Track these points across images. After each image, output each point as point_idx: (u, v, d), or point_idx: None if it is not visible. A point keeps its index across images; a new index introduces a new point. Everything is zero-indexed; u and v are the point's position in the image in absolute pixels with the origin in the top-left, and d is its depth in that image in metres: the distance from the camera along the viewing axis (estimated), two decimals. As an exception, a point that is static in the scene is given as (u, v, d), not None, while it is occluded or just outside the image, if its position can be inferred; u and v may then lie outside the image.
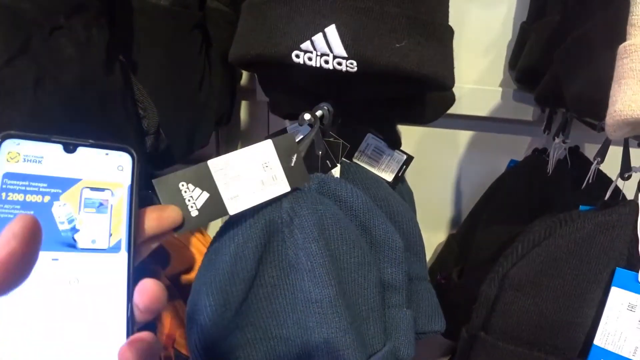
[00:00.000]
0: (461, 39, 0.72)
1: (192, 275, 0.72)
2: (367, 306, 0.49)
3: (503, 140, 0.78)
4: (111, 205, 0.28)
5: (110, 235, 0.28)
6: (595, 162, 0.54)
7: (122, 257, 0.28)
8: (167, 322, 0.62)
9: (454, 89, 0.64)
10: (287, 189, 0.43)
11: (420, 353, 0.56)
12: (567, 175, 0.65)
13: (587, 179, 0.56)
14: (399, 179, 0.61)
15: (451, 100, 0.62)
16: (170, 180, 0.38)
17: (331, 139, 0.50)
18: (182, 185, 0.39)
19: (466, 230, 0.74)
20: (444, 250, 0.79)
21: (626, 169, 0.48)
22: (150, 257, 0.60)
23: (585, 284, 0.46)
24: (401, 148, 0.59)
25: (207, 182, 0.39)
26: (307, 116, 0.44)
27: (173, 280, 0.67)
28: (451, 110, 0.74)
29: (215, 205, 0.40)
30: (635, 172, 0.48)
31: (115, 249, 0.28)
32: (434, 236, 0.83)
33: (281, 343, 0.46)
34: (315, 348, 0.44)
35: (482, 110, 0.73)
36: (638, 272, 0.45)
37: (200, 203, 0.39)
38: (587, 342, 0.48)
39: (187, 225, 0.38)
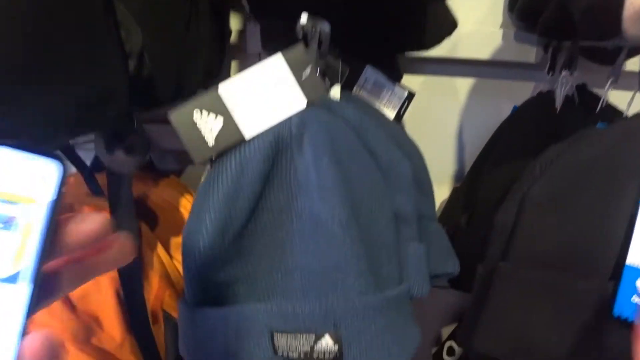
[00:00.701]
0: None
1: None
2: (380, 240, 0.45)
3: (505, 86, 0.75)
4: (21, 224, 0.21)
5: (12, 260, 0.21)
6: (610, 82, 0.51)
7: (22, 290, 0.21)
8: (155, 282, 0.58)
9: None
10: (304, 103, 0.40)
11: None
12: (577, 112, 0.62)
13: (600, 102, 0.53)
14: (401, 117, 0.58)
15: (452, 24, 0.58)
16: (185, 111, 0.38)
17: (330, 59, 0.47)
18: (197, 113, 0.38)
19: (471, 179, 0.71)
20: (449, 204, 0.75)
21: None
22: (137, 217, 0.56)
23: (613, 197, 0.43)
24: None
25: (220, 108, 0.38)
26: (304, 18, 0.41)
27: (162, 243, 0.63)
28: (450, 54, 0.71)
29: (230, 130, 0.39)
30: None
31: (13, 279, 0.21)
32: (437, 190, 0.78)
33: (286, 276, 0.42)
34: (323, 277, 0.40)
35: (482, 53, 0.71)
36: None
37: (215, 130, 0.39)
38: (619, 263, 0.45)
39: (205, 154, 0.39)
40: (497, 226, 0.48)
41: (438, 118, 0.77)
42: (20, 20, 0.32)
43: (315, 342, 0.39)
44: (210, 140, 0.39)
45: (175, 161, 0.77)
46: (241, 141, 0.39)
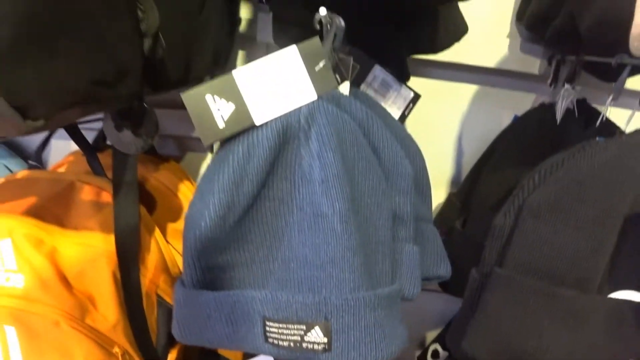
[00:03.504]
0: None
1: (180, 224, 0.68)
2: (376, 238, 0.46)
3: (507, 95, 0.76)
4: None
5: None
6: (610, 97, 0.53)
7: None
8: (152, 266, 0.58)
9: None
10: (315, 95, 0.40)
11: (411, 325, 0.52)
12: (577, 125, 0.64)
13: (600, 117, 0.54)
14: (405, 117, 0.59)
15: (462, 30, 0.59)
16: (198, 93, 0.39)
17: (342, 55, 0.47)
18: (209, 97, 0.39)
19: (468, 185, 0.72)
20: (444, 208, 0.76)
21: (647, 93, 0.46)
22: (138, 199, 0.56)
23: (610, 209, 0.44)
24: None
25: (233, 93, 0.39)
26: (323, 11, 0.41)
27: (160, 228, 0.63)
28: (456, 60, 0.72)
29: (241, 115, 0.39)
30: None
31: None
32: (434, 194, 0.80)
33: (282, 266, 0.43)
34: (318, 269, 0.41)
35: (488, 61, 0.72)
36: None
37: (226, 114, 0.39)
38: (607, 274, 0.46)
39: (215, 136, 0.39)
40: (495, 231, 0.49)
41: (439, 122, 0.78)
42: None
43: (306, 332, 0.40)
44: (221, 123, 0.39)
45: (176, 147, 0.77)
46: (251, 127, 0.40)
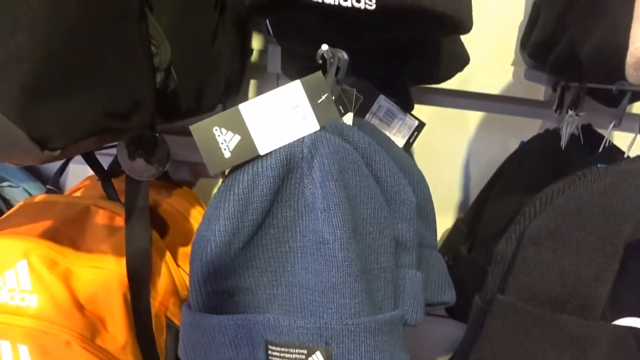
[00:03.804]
0: (473, 17, 0.72)
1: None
2: (378, 265, 0.47)
3: (514, 122, 0.77)
4: None
5: None
6: (612, 124, 0.53)
7: None
8: (162, 289, 0.60)
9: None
10: (317, 126, 0.42)
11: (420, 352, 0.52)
12: (581, 151, 0.64)
13: (603, 143, 0.54)
14: (410, 145, 0.60)
15: (464, 60, 0.61)
16: (205, 126, 0.41)
17: (345, 87, 0.49)
18: (216, 129, 0.41)
19: (475, 210, 0.72)
20: (451, 233, 0.77)
21: (647, 121, 0.47)
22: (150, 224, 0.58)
23: (610, 236, 0.44)
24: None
25: (238, 125, 0.41)
26: (325, 47, 0.43)
27: (170, 252, 0.65)
28: (462, 88, 0.73)
29: (246, 146, 0.42)
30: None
31: None
32: (441, 220, 0.80)
33: (286, 291, 0.44)
34: (320, 295, 0.42)
35: (493, 89, 0.73)
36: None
37: (232, 145, 0.42)
38: (610, 302, 0.46)
39: (220, 166, 0.41)
40: (497, 256, 0.49)
41: (446, 149, 0.79)
42: (64, 26, 0.35)
43: (307, 356, 0.41)
44: (227, 153, 0.41)
45: (189, 173, 0.79)
46: (256, 157, 0.41)
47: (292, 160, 0.42)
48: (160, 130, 0.55)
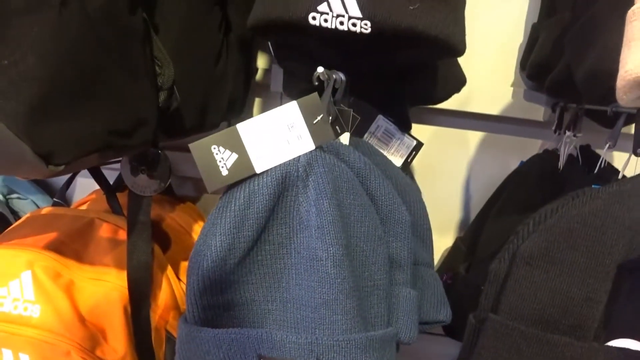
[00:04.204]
0: (473, 39, 0.73)
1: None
2: (372, 282, 0.47)
3: (513, 142, 0.78)
4: None
5: None
6: (607, 145, 0.54)
7: None
8: (162, 303, 0.61)
9: (465, 87, 0.65)
10: (312, 146, 0.43)
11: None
12: (579, 171, 0.65)
13: (599, 163, 0.55)
14: (408, 165, 0.61)
15: (461, 82, 0.62)
16: (204, 144, 0.43)
17: (342, 107, 0.51)
18: (214, 148, 0.43)
19: (474, 230, 0.73)
20: (450, 253, 0.77)
21: (639, 145, 0.47)
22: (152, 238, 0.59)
23: (601, 256, 0.44)
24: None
25: (236, 144, 0.43)
26: (320, 69, 0.45)
27: (172, 266, 0.66)
28: (462, 108, 0.75)
29: (243, 164, 0.43)
30: (649, 147, 0.47)
31: None
32: (441, 239, 0.81)
33: (280, 307, 0.45)
34: (313, 311, 0.43)
35: (493, 109, 0.74)
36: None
37: (230, 163, 0.43)
38: (603, 323, 0.46)
39: (217, 183, 0.43)
40: (490, 276, 0.50)
41: (448, 168, 0.80)
42: (71, 49, 0.36)
43: (298, 371, 0.41)
44: (225, 171, 0.42)
45: (193, 188, 0.81)
46: (252, 175, 0.43)
47: (287, 179, 0.43)
48: (165, 146, 0.57)
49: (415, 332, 0.50)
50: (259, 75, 0.78)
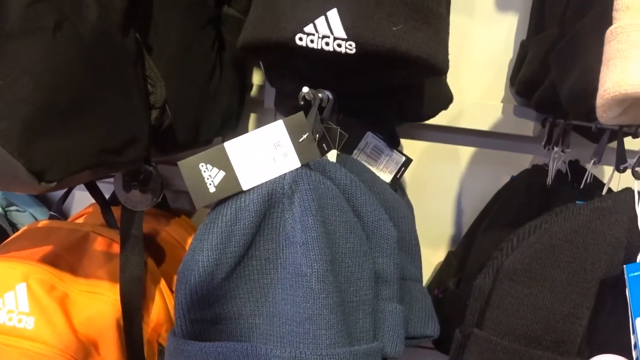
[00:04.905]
0: (463, 55, 0.75)
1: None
2: (357, 297, 0.48)
3: (504, 157, 0.79)
4: None
5: None
6: (592, 161, 0.55)
7: None
8: (155, 316, 0.62)
9: (456, 103, 0.67)
10: (298, 164, 0.44)
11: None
12: (567, 186, 0.65)
13: (584, 178, 0.56)
14: (397, 180, 0.62)
15: (448, 99, 0.63)
16: (192, 162, 0.44)
17: (330, 125, 0.52)
18: (202, 165, 0.44)
19: (465, 244, 0.73)
20: (442, 267, 0.78)
21: (621, 161, 0.48)
22: (144, 251, 0.60)
23: (583, 273, 0.45)
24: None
25: (223, 162, 0.44)
26: (305, 89, 0.46)
27: (166, 279, 0.67)
28: (452, 124, 0.76)
29: (230, 182, 0.44)
30: (631, 165, 0.48)
31: None
32: (433, 254, 0.82)
33: (266, 321, 0.46)
34: (298, 325, 0.43)
35: (483, 125, 0.75)
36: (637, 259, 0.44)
37: (217, 181, 0.44)
38: (586, 338, 0.47)
39: (205, 200, 0.44)
40: (475, 292, 0.51)
41: (439, 183, 0.81)
42: (65, 71, 0.38)
43: (282, 385, 0.42)
44: (212, 188, 0.43)
45: (188, 202, 0.82)
46: (239, 192, 0.44)
47: (273, 196, 0.44)
48: (160, 161, 0.58)
49: (401, 346, 0.50)
50: (253, 92, 0.80)
